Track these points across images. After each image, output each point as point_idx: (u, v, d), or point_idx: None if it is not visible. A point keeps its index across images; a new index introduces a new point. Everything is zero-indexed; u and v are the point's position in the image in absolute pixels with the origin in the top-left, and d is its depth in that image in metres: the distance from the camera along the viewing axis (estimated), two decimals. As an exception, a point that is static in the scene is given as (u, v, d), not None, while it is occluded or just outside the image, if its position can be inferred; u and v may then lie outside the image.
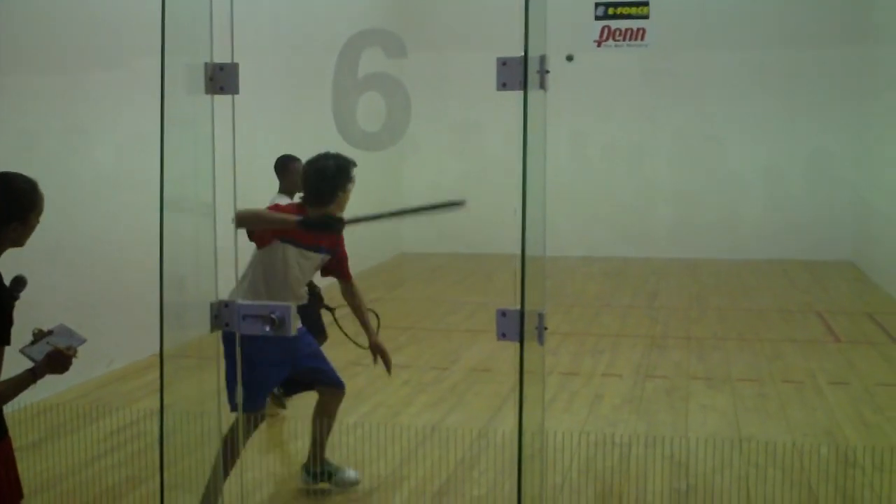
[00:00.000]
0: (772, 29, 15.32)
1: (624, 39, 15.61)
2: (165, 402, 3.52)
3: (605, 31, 15.67)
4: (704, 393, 7.63)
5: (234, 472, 5.00)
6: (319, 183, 5.17)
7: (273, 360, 5.14)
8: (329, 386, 5.59)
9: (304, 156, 11.71)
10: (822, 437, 6.51)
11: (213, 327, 3.55)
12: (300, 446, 6.27)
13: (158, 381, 3.49)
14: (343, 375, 8.21)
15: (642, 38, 15.53)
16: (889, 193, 12.92)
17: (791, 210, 15.44)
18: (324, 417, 5.53)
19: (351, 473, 5.62)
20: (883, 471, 5.76)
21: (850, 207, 15.15)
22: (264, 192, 10.57)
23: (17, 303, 3.44)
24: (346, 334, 5.85)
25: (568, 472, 5.76)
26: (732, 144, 15.52)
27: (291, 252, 5.06)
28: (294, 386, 6.45)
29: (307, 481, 5.58)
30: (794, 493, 5.43)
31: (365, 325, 5.63)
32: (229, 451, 4.83)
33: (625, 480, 5.64)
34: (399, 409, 7.23)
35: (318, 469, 5.56)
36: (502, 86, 3.10)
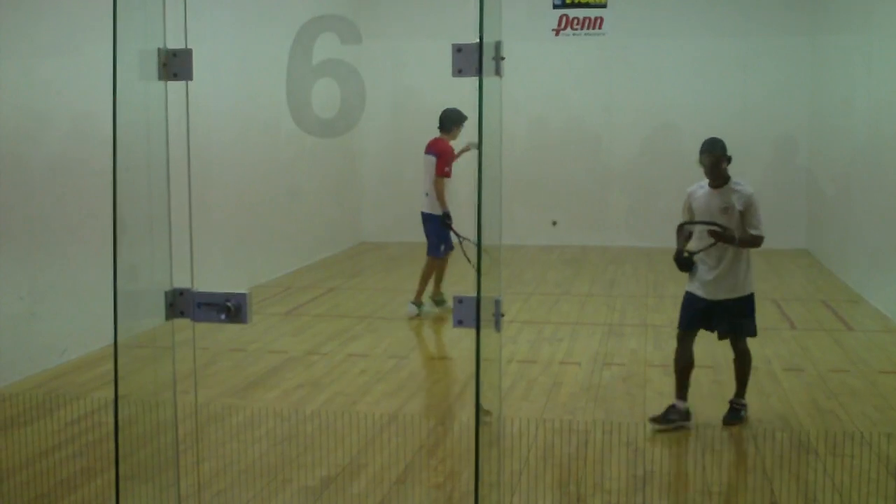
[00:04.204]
0: (727, 18, 15.42)
1: (582, 28, 15.64)
2: (120, 392, 3.48)
3: (563, 19, 15.69)
4: (661, 380, 7.68)
5: (191, 464, 4.99)
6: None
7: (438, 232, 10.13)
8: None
9: (259, 141, 11.75)
10: (776, 422, 6.58)
11: (168, 316, 3.52)
12: (257, 435, 6.25)
13: (113, 372, 3.45)
14: (301, 365, 8.24)
15: (600, 27, 15.57)
16: (841, 182, 13.07)
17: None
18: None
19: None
20: (836, 455, 5.85)
21: (806, 196, 15.32)
22: (219, 177, 10.54)
23: None
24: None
25: (526, 459, 5.79)
26: (689, 133, 15.60)
27: None
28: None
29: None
30: (750, 478, 5.49)
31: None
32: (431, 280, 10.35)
33: (583, 467, 5.68)
34: (357, 398, 7.22)
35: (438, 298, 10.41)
36: (458, 72, 3.09)
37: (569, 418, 6.60)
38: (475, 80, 3.10)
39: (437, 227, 10.11)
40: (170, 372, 3.62)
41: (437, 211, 10.04)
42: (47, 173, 7.98)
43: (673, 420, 6.43)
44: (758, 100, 15.40)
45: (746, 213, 6.32)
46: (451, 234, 9.99)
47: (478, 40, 3.06)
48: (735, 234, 6.26)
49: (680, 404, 6.51)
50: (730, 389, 7.40)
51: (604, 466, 5.70)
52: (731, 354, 8.47)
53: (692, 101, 15.51)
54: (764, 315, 10.32)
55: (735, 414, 6.60)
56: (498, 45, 3.20)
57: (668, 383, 7.56)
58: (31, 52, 7.71)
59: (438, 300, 10.36)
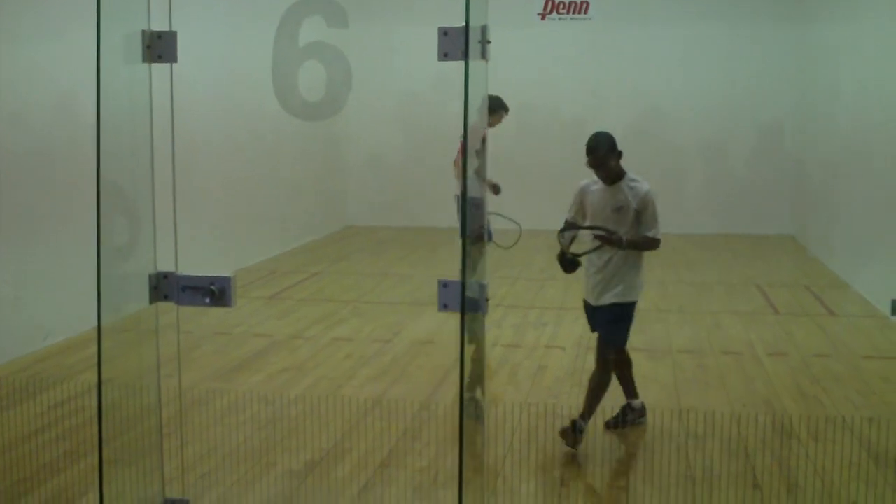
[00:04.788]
0: (714, 4, 15.43)
1: (568, 13, 15.63)
2: (104, 375, 3.48)
3: (549, 4, 15.68)
4: (646, 364, 7.70)
5: (175, 448, 4.99)
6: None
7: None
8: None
9: (244, 122, 11.60)
10: (759, 406, 6.61)
11: (153, 299, 3.51)
12: (241, 419, 6.25)
13: (97, 355, 3.44)
14: (285, 349, 8.22)
15: (586, 12, 15.56)
16: (827, 169, 13.11)
17: (733, 184, 15.61)
18: None
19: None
20: (818, 439, 5.88)
21: (792, 182, 15.36)
22: (204, 160, 10.50)
23: None
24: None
25: (511, 443, 5.80)
26: (675, 119, 15.64)
27: None
28: None
29: None
30: (733, 462, 5.52)
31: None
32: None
33: (567, 451, 5.69)
34: (342, 382, 7.22)
35: None
36: (444, 56, 3.09)
37: (553, 402, 6.61)
38: (461, 63, 3.09)
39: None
40: (154, 355, 3.61)
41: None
42: (31, 157, 7.93)
43: (631, 420, 6.14)
44: (744, 86, 15.43)
45: (641, 213, 5.71)
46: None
47: (464, 24, 3.05)
48: (623, 237, 5.65)
49: (634, 402, 6.22)
50: (714, 373, 7.45)
51: (587, 450, 5.72)
52: (714, 337, 8.53)
53: (678, 86, 15.53)
54: (748, 300, 10.39)
55: (622, 417, 6.15)
56: (484, 29, 3.19)
57: (653, 368, 7.59)
58: (13, 36, 7.65)
59: None
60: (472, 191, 9.89)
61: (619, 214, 5.74)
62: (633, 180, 5.78)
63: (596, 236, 5.74)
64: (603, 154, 5.71)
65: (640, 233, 5.74)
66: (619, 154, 5.79)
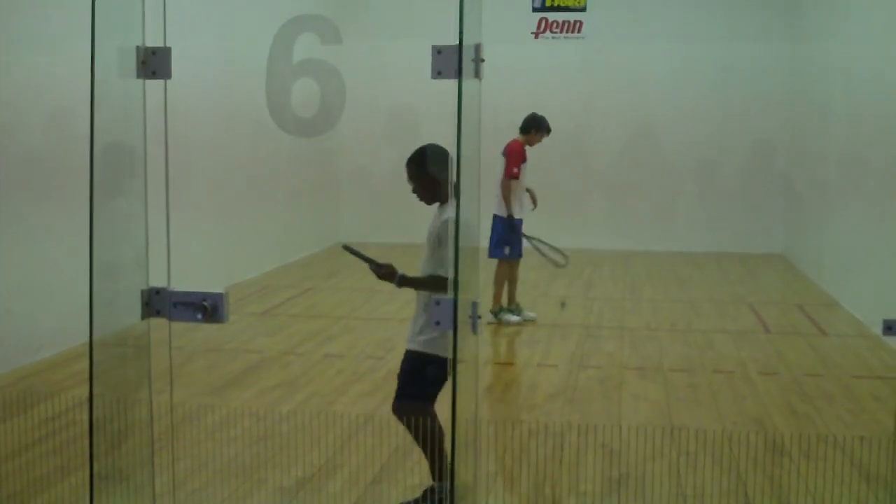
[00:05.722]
0: (706, 22, 15.50)
1: (561, 31, 15.69)
2: (95, 390, 3.47)
3: (543, 22, 15.74)
4: (637, 383, 7.71)
5: (166, 463, 4.98)
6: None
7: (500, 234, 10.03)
8: None
9: (238, 140, 11.58)
10: (751, 425, 6.62)
11: (144, 315, 3.50)
12: (232, 435, 6.23)
13: (88, 370, 3.44)
14: (277, 364, 8.21)
15: (579, 31, 15.62)
16: (818, 187, 13.15)
17: (724, 202, 15.65)
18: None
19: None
20: (809, 458, 5.89)
21: (782, 200, 15.40)
22: (197, 176, 10.49)
23: None
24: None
25: (502, 460, 5.80)
26: (667, 136, 15.68)
27: None
28: None
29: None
30: (724, 480, 5.52)
31: None
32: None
33: (558, 469, 5.69)
34: (333, 398, 7.21)
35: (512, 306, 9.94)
36: (437, 74, 3.10)
37: (545, 420, 6.61)
38: (455, 82, 3.11)
39: (500, 230, 9.94)
40: (145, 371, 3.60)
41: (502, 213, 9.94)
42: (24, 169, 7.93)
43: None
44: (736, 104, 15.48)
45: (442, 245, 4.83)
46: (523, 238, 10.13)
47: (458, 42, 3.07)
48: (397, 272, 4.83)
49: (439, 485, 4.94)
50: (706, 391, 7.45)
51: (579, 468, 5.71)
52: (705, 355, 8.54)
53: (671, 104, 15.58)
54: (739, 318, 10.41)
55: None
56: (478, 48, 3.20)
57: (644, 386, 7.59)
58: (7, 48, 7.66)
59: (511, 308, 10.00)
60: (497, 209, 9.84)
61: (431, 242, 4.98)
62: (448, 206, 4.86)
63: (372, 269, 4.91)
64: (410, 171, 5.01)
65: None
66: (431, 172, 4.91)
